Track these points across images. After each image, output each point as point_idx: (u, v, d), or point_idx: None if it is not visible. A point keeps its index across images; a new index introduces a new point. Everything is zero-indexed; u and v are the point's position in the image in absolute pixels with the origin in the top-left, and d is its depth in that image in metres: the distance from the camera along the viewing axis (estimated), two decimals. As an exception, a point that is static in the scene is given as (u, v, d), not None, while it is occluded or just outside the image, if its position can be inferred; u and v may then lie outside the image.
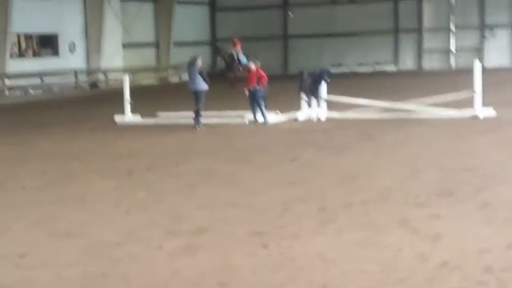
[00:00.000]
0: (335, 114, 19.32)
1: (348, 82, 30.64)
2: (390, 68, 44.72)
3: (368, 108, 19.75)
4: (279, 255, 7.15)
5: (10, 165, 13.64)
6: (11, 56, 34.14)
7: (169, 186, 10.95)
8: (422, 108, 19.16)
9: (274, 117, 19.17)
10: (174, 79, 42.72)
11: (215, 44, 47.22)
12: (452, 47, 44.48)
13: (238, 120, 19.25)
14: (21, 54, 35.99)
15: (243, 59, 32.42)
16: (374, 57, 45.46)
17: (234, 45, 32.93)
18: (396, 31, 45.47)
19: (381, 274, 6.50)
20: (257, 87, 18.72)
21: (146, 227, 8.45)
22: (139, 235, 8.12)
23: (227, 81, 31.20)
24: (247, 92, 18.89)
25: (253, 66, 19.24)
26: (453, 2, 44.29)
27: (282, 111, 19.75)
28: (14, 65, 33.67)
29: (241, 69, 31.92)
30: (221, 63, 33.73)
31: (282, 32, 47.46)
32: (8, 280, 6.71)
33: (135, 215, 9.14)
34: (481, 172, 11.00)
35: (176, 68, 43.07)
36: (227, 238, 7.81)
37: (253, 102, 18.83)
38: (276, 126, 18.38)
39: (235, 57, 32.32)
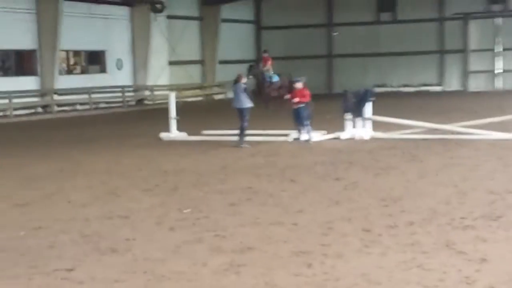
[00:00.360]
0: (380, 134, 19.22)
1: (392, 102, 30.48)
2: (435, 88, 44.39)
3: (413, 128, 19.61)
4: (323, 274, 7.11)
5: (56, 180, 13.81)
6: (60, 72, 34.67)
7: (213, 203, 10.97)
8: (467, 130, 18.97)
9: (318, 136, 19.13)
10: (219, 96, 42.94)
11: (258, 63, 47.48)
12: (497, 69, 44.04)
13: (282, 138, 19.26)
14: (69, 71, 36.56)
15: (274, 77, 32.51)
16: (419, 77, 45.21)
17: (264, 63, 32.98)
18: (441, 51, 45.17)
19: (426, 296, 6.42)
20: (302, 105, 18.70)
21: (190, 244, 8.47)
22: (184, 251, 8.14)
23: (261, 100, 30.85)
24: (294, 104, 18.80)
25: (299, 85, 19.19)
26: (499, 23, 43.90)
27: (326, 130, 19.71)
28: (63, 82, 34.16)
29: (270, 87, 32.17)
30: (253, 82, 33.15)
31: (326, 51, 47.43)
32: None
33: (180, 231, 9.17)
34: (528, 195, 10.83)
35: (221, 85, 43.33)
36: (271, 257, 7.79)
37: (298, 120, 18.82)
38: (320, 145, 18.34)
39: (265, 75, 32.26)
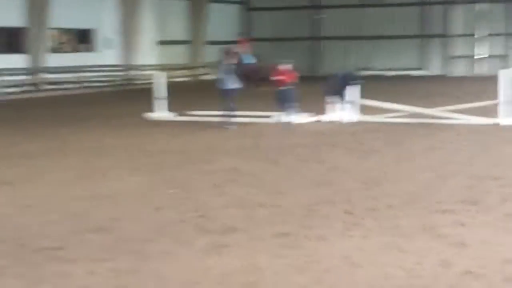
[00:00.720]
0: (363, 117, 19.24)
1: (375, 86, 30.45)
2: (417, 73, 44.46)
3: (395, 112, 19.64)
4: (305, 256, 7.12)
5: (44, 158, 13.78)
6: (50, 51, 34.44)
7: (198, 184, 10.96)
8: (449, 115, 19.02)
9: (301, 118, 19.12)
10: (206, 77, 42.83)
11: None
12: (478, 54, 44.15)
13: (266, 120, 19.25)
14: (58, 49, 36.31)
15: (248, 59, 32.39)
16: (401, 61, 45.25)
17: (240, 45, 32.93)
18: (423, 36, 45.21)
19: (405, 279, 6.45)
20: (287, 87, 18.65)
21: (175, 224, 8.47)
22: (169, 231, 8.14)
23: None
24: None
25: (281, 67, 19.08)
26: (481, 8, 43.96)
27: (309, 112, 19.71)
28: (52, 60, 33.94)
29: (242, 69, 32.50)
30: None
31: (312, 33, 47.36)
32: (45, 272, 6.76)
33: (165, 211, 9.16)
34: (507, 181, 10.88)
35: (208, 66, 43.18)
36: (255, 238, 7.80)
37: (282, 102, 18.78)
38: (304, 127, 18.34)
39: (241, 58, 31.75)
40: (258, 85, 30.30)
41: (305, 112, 19.65)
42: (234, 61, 19.25)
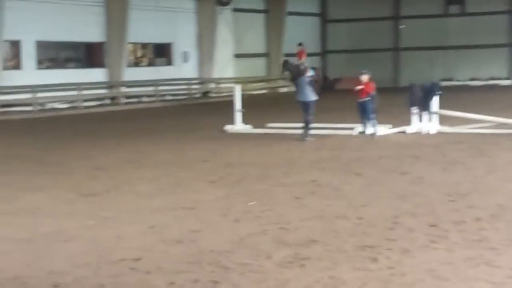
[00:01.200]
0: (446, 128, 18.94)
1: (460, 96, 30.01)
2: (505, 82, 43.51)
3: (480, 123, 19.27)
4: (388, 269, 7.03)
5: (123, 171, 14.00)
6: (128, 65, 35.14)
7: (278, 196, 10.97)
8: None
9: (383, 130, 18.95)
10: (284, 89, 42.89)
11: (324, 56, 47.25)
12: None
13: (347, 132, 19.14)
14: (136, 63, 37.03)
15: (311, 71, 32.04)
16: (487, 71, 44.36)
17: (299, 56, 31.99)
18: (511, 44, 44.27)
19: (494, 294, 6.30)
20: (367, 99, 18.52)
21: (255, 236, 8.48)
22: (248, 243, 8.15)
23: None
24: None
25: (364, 77, 18.94)
26: None
27: (392, 124, 19.52)
28: (130, 74, 34.62)
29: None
30: (287, 76, 30.94)
31: (393, 44, 46.95)
32: (126, 281, 6.86)
33: (245, 223, 9.19)
34: None
35: (286, 78, 43.23)
36: (336, 251, 7.74)
37: (363, 114, 18.66)
38: (386, 139, 18.16)
39: (301, 68, 31.76)
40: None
41: (387, 123, 19.46)
42: (310, 73, 19.16)
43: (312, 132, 18.32)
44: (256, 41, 43.36)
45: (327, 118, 21.09)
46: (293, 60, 31.27)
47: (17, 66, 31.67)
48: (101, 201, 10.97)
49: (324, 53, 47.97)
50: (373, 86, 18.78)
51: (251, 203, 10.39)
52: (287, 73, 29.88)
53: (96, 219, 9.63)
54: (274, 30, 43.76)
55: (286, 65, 31.27)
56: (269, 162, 14.69)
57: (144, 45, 38.10)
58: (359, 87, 18.69)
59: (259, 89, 41.97)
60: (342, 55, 47.01)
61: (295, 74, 30.13)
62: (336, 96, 32.65)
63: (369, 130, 18.58)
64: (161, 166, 14.58)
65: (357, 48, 46.40)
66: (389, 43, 46.98)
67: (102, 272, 7.20)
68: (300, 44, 35.04)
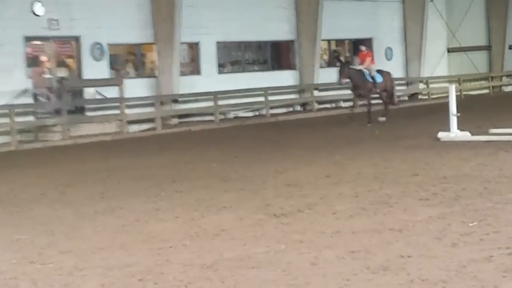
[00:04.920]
0: None
1: None
2: None
3: None
4: None
5: (319, 187, 14.12)
6: (321, 65, 35.50)
7: (504, 215, 10.64)
8: None
9: None
10: (509, 88, 41.77)
11: None
12: None
13: None
14: (331, 63, 37.32)
15: (377, 77, 28.04)
16: None
17: (362, 59, 28.53)
18: None
19: None
20: None
21: (477, 263, 8.25)
22: (469, 272, 7.95)
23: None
24: None
25: None
26: None
27: None
28: (324, 75, 34.94)
29: (376, 89, 28.01)
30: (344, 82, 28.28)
31: None
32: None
33: (464, 248, 8.97)
34: None
35: (511, 75, 42.07)
36: None
37: None
38: None
39: (366, 74, 27.89)
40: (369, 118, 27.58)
41: None
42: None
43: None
44: (475, 32, 42.56)
45: None
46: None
47: (195, 71, 32.85)
48: (294, 222, 11.09)
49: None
50: None
51: (472, 224, 10.15)
52: (343, 80, 27.44)
53: (288, 243, 9.73)
54: (497, 17, 42.71)
55: (342, 67, 27.83)
56: (493, 175, 14.30)
57: (339, 42, 38.36)
58: None
59: (479, 89, 41.10)
60: None
61: (358, 81, 27.37)
62: None
63: None
64: (362, 181, 14.57)
65: None
66: None
67: (296, 303, 7.27)
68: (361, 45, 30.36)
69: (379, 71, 28.41)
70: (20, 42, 27.80)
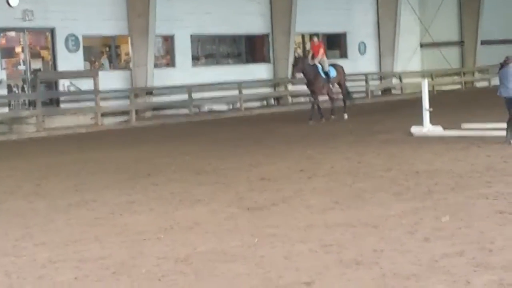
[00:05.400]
0: None
1: None
2: None
3: None
4: None
5: (292, 181, 14.12)
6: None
7: (477, 210, 10.69)
8: None
9: None
10: (481, 83, 41.99)
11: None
12: None
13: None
14: (305, 56, 37.33)
15: (331, 71, 27.13)
16: None
17: (315, 52, 27.27)
18: None
19: None
20: None
21: (449, 258, 8.29)
22: (441, 266, 7.98)
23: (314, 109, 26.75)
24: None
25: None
26: None
27: None
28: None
29: (330, 85, 27.20)
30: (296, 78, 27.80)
31: None
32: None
33: (436, 242, 9.01)
34: None
35: (483, 71, 42.29)
36: (551, 277, 7.43)
37: None
38: None
39: (320, 69, 26.82)
40: (327, 114, 27.17)
41: None
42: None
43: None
44: (447, 28, 42.73)
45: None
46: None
47: (170, 64, 32.78)
48: (267, 216, 11.09)
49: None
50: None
51: (444, 219, 10.18)
52: (298, 75, 26.59)
53: (261, 237, 9.73)
54: (469, 13, 42.94)
55: (297, 64, 26.65)
56: (465, 170, 14.37)
57: (313, 36, 38.41)
58: None
59: (451, 84, 41.29)
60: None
61: (311, 77, 26.31)
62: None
63: None
64: (336, 175, 14.60)
65: None
66: None
67: (270, 297, 7.27)
68: (314, 35, 29.36)
69: (333, 65, 27.79)
70: (-6, 33, 27.60)
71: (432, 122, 20.70)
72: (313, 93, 26.99)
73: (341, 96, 28.35)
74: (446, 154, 16.66)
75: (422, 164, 15.42)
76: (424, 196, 11.97)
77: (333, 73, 27.17)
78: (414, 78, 39.52)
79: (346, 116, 27.18)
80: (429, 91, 21.33)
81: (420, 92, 21.62)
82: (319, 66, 26.83)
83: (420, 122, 20.75)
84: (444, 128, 20.60)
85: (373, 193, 12.44)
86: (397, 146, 18.52)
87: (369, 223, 10.24)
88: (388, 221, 10.34)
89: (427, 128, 20.62)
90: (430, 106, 20.77)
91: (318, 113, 26.48)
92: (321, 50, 27.06)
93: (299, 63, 26.49)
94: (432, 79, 39.26)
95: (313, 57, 27.07)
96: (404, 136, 20.29)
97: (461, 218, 10.18)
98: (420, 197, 11.94)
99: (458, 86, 41.99)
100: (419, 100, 21.42)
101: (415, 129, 20.62)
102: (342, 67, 28.27)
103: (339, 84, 27.82)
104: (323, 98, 27.85)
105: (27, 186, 15.11)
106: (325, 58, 27.22)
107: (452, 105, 29.84)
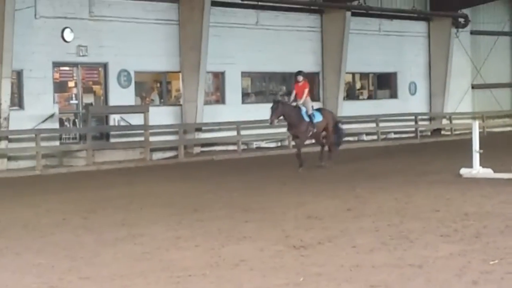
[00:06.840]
0: None
1: None
2: None
3: None
4: None
5: (339, 220, 14.04)
6: (344, 97, 35.53)
7: (527, 255, 10.55)
8: None
9: None
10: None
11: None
12: None
13: None
14: (355, 96, 37.32)
15: (315, 115, 24.58)
16: None
17: (298, 93, 24.50)
18: None
19: None
20: None
21: (498, 303, 8.18)
22: (490, 311, 7.87)
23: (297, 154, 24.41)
24: None
25: None
26: None
27: None
28: (348, 108, 34.94)
29: (313, 128, 24.34)
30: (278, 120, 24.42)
31: None
32: None
33: (484, 286, 8.88)
34: None
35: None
36: None
37: None
38: None
39: (303, 112, 24.25)
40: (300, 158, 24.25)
41: None
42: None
43: None
44: (499, 69, 42.40)
45: None
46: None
47: (220, 100, 32.94)
48: (313, 255, 11.02)
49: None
50: None
51: (492, 262, 10.04)
52: (279, 119, 24.05)
53: (307, 275, 9.67)
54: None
55: (277, 106, 23.90)
56: (514, 213, 14.20)
57: (363, 75, 38.36)
58: None
59: (502, 126, 40.91)
60: None
61: (294, 120, 23.57)
62: None
63: None
64: (383, 215, 14.49)
65: None
66: None
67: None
68: (299, 73, 25.10)
69: (319, 110, 25.64)
70: (49, 67, 27.97)
71: (482, 164, 20.51)
72: (296, 137, 25.21)
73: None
74: (496, 197, 16.47)
75: (471, 206, 15.26)
76: (473, 239, 11.82)
77: (318, 117, 24.58)
78: (464, 119, 39.28)
79: (324, 164, 24.89)
80: (479, 133, 21.15)
81: (470, 133, 21.45)
82: (303, 108, 24.29)
83: (469, 164, 20.57)
84: (494, 170, 20.38)
85: (420, 234, 12.32)
86: (445, 187, 18.37)
87: (415, 264, 10.12)
88: (435, 263, 10.23)
89: (476, 170, 20.42)
90: (480, 148, 20.60)
91: (298, 159, 24.05)
92: (306, 91, 24.36)
93: (278, 107, 23.92)
94: (483, 120, 39.01)
95: (295, 98, 24.53)
96: (453, 178, 20.13)
97: (510, 262, 10.02)
98: (468, 239, 11.80)
99: (509, 128, 41.59)
100: (469, 142, 21.24)
101: (464, 171, 20.44)
102: (331, 112, 26.64)
103: (325, 129, 25.11)
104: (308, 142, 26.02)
105: (75, 219, 15.22)
106: (309, 99, 24.57)
107: (502, 147, 29.53)
